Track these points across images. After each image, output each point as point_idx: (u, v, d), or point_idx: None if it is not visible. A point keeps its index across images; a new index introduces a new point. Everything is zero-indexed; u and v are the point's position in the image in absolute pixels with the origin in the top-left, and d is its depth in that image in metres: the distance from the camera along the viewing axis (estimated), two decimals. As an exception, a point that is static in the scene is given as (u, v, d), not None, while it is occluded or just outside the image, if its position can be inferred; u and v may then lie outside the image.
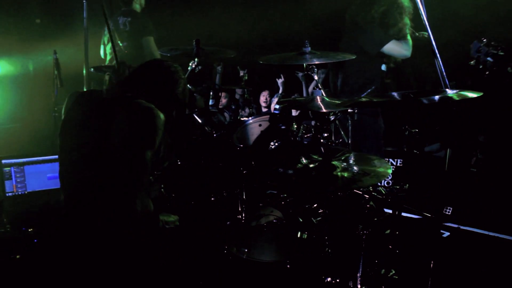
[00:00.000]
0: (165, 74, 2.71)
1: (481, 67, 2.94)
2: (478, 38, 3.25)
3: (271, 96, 6.75)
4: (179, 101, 2.76)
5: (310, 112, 4.00)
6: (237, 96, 7.10)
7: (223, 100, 6.73)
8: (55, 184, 3.82)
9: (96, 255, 2.37)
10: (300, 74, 5.90)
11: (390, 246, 2.98)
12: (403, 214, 3.07)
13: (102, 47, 5.62)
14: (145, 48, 5.33)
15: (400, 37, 4.17)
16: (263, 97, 6.79)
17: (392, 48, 4.16)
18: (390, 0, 4.13)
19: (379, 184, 3.25)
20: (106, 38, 5.53)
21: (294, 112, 4.83)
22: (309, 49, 3.45)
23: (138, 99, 2.50)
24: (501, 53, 2.90)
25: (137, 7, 5.52)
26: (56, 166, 3.81)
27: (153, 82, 2.66)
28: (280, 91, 6.50)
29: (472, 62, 3.02)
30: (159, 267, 2.53)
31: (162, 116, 2.47)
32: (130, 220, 2.39)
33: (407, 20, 4.14)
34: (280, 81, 6.53)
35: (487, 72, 2.97)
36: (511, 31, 4.83)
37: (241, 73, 5.65)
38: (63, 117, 2.69)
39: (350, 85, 4.37)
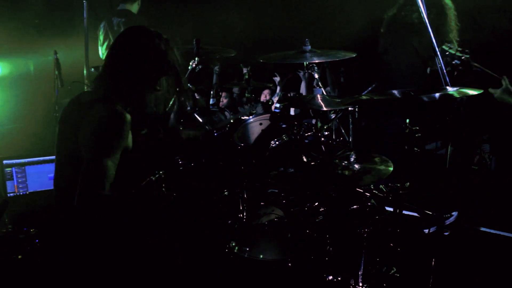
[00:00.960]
0: (149, 41, 2.47)
1: (449, 69, 3.14)
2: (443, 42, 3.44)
3: (271, 95, 6.74)
4: (172, 68, 2.55)
5: (310, 110, 4.00)
6: (234, 95, 7.09)
7: (224, 100, 6.73)
8: (56, 184, 3.83)
9: (90, 255, 2.37)
10: (302, 72, 5.89)
11: (392, 244, 2.98)
12: (404, 212, 3.06)
13: (99, 47, 5.61)
14: None
15: (450, 40, 4.08)
16: (264, 96, 6.79)
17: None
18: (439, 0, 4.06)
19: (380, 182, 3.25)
20: (102, 38, 5.51)
21: (293, 111, 4.83)
22: (309, 47, 3.45)
23: (105, 101, 2.39)
24: (467, 56, 3.10)
25: (135, 7, 5.46)
26: (57, 166, 3.82)
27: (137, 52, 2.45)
28: (278, 90, 6.49)
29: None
30: (160, 266, 2.53)
31: (128, 118, 2.35)
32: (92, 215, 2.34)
33: (453, 21, 4.06)
34: (277, 80, 6.53)
35: (455, 73, 3.15)
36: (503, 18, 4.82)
37: (244, 70, 5.64)
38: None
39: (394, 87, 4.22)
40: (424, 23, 3.22)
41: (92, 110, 2.35)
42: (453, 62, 3.14)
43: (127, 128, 2.36)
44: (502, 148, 4.42)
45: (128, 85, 2.46)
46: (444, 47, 3.20)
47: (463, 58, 3.11)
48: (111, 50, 2.53)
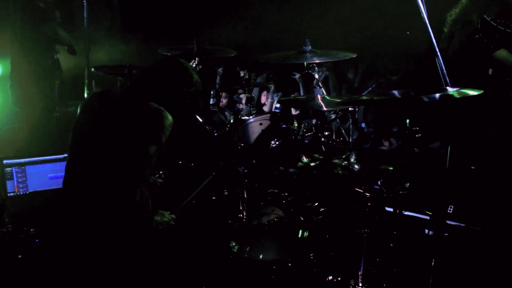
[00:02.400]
0: (180, 72, 2.75)
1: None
2: None
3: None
4: (194, 96, 2.81)
5: (310, 110, 4.00)
6: (236, 97, 7.09)
7: (224, 100, 6.73)
8: (57, 184, 3.82)
9: (97, 252, 2.38)
10: (298, 75, 5.87)
11: (391, 245, 2.98)
12: (404, 212, 3.06)
13: None
14: None
15: None
16: (264, 97, 6.79)
17: (503, 55, 4.00)
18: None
19: (380, 183, 3.26)
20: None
21: (294, 111, 4.83)
22: (309, 47, 3.44)
23: (150, 102, 2.56)
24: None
25: None
26: (57, 166, 3.81)
27: (168, 81, 2.71)
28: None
29: None
30: (161, 266, 2.53)
31: (170, 117, 2.53)
32: (129, 212, 2.42)
33: None
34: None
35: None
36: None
37: (241, 74, 5.65)
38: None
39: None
40: (424, 21, 3.21)
41: (141, 108, 2.53)
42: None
43: (170, 126, 2.53)
44: (501, 148, 4.42)
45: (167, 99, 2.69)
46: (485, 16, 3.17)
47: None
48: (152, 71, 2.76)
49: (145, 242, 2.50)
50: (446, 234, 3.69)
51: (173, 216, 2.82)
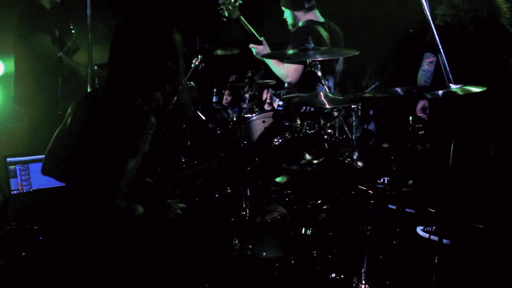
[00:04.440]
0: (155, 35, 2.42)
1: None
2: None
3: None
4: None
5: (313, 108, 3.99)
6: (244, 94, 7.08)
7: (228, 98, 6.73)
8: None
9: (93, 251, 2.37)
10: None
11: (395, 242, 2.98)
12: (407, 210, 3.06)
13: None
14: None
15: None
16: (265, 94, 6.78)
17: None
18: None
19: (383, 180, 3.26)
20: None
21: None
22: (312, 45, 3.44)
23: (130, 98, 2.38)
24: None
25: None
26: (60, 163, 3.82)
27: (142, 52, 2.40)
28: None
29: None
30: (163, 264, 2.54)
31: (153, 120, 2.33)
32: (106, 222, 2.34)
33: None
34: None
35: None
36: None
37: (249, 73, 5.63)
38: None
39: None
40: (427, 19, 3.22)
41: (116, 108, 2.35)
42: None
43: (152, 129, 2.33)
44: (506, 145, 4.41)
45: (149, 80, 2.43)
46: None
47: None
48: (122, 42, 2.44)
49: (143, 243, 2.48)
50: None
51: (183, 205, 2.74)
